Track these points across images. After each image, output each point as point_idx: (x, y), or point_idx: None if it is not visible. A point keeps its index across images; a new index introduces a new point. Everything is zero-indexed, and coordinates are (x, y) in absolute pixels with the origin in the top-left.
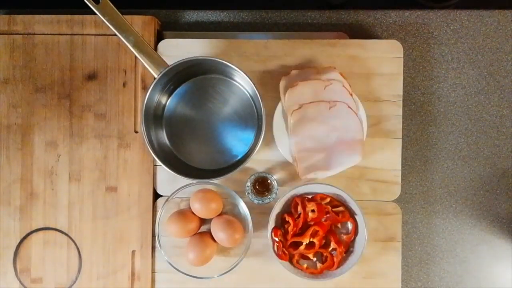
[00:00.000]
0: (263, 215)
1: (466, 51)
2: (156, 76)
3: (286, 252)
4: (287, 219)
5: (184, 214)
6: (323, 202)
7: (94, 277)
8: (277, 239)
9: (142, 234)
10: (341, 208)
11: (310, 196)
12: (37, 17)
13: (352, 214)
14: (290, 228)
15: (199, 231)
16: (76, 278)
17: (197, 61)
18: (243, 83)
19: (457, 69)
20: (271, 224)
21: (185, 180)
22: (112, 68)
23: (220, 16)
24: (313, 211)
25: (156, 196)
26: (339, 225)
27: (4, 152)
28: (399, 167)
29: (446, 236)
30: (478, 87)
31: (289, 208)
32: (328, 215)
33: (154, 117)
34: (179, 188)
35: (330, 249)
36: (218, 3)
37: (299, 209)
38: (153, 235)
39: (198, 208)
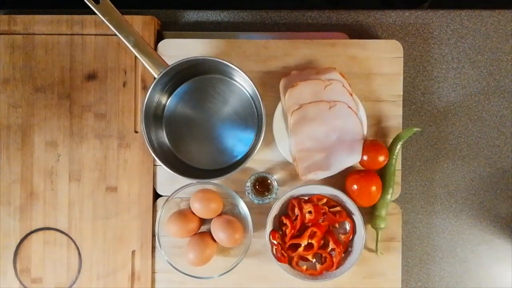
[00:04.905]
0: (263, 215)
1: (466, 51)
2: (156, 76)
3: (285, 254)
4: (284, 221)
5: (184, 214)
6: (320, 203)
7: (94, 277)
8: (275, 242)
9: (142, 234)
10: (338, 208)
11: (306, 198)
12: (37, 17)
13: (349, 214)
14: (288, 231)
15: (199, 231)
16: (76, 278)
17: (197, 61)
18: (243, 83)
19: (457, 69)
20: (269, 226)
21: (185, 180)
22: (112, 68)
23: (220, 16)
24: (310, 212)
25: (156, 196)
26: (337, 225)
27: (4, 152)
28: (399, 167)
29: (446, 236)
30: (478, 87)
31: (286, 210)
32: (325, 215)
33: (154, 117)
34: (179, 188)
35: (329, 249)
36: (218, 3)
37: (296, 211)
38: (153, 235)
39: (198, 208)
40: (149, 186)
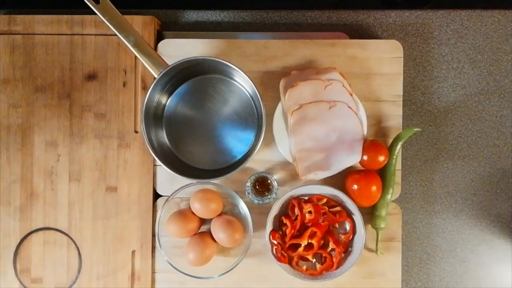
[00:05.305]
0: (263, 215)
1: (466, 51)
2: (156, 76)
3: (285, 254)
4: (284, 221)
5: (184, 214)
6: (319, 203)
7: (94, 277)
8: (275, 242)
9: (142, 234)
10: (338, 208)
11: (306, 198)
12: (37, 17)
13: (349, 214)
14: (288, 231)
15: (199, 231)
16: (76, 278)
17: (197, 61)
18: (243, 83)
19: (457, 69)
20: (269, 227)
21: (185, 180)
22: (112, 68)
23: (220, 16)
24: (310, 212)
25: (156, 196)
26: (337, 225)
27: (4, 152)
28: (399, 167)
29: (446, 236)
30: (478, 87)
31: (286, 210)
32: (325, 215)
33: (154, 117)
34: (179, 188)
35: (329, 249)
36: (218, 3)
37: (296, 211)
38: (153, 235)
39: (198, 208)
40: (149, 186)
